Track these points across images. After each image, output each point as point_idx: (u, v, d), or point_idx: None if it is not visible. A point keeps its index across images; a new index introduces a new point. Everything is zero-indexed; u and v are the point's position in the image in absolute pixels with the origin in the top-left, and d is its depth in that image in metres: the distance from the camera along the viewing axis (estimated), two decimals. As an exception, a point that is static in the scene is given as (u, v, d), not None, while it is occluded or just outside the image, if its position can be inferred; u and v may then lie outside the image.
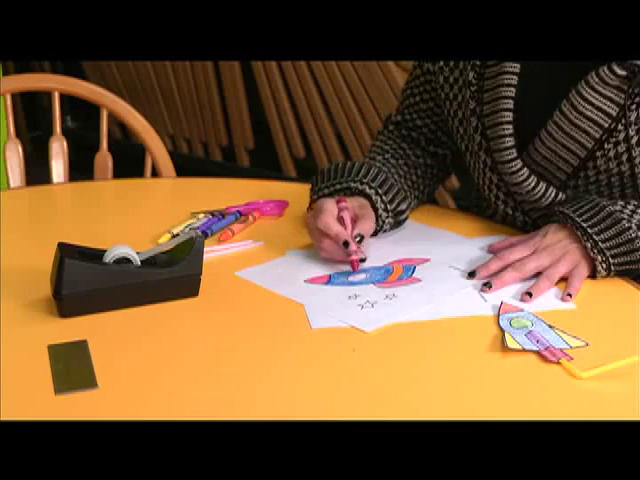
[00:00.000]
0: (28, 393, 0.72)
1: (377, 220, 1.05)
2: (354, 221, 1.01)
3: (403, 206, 1.08)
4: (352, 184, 1.05)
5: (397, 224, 1.09)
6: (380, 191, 1.05)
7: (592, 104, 0.96)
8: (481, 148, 1.07)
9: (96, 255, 0.87)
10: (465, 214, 1.20)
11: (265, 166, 2.91)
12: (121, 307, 0.86)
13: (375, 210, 1.05)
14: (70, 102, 2.65)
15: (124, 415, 0.69)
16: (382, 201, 1.05)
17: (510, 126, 1.02)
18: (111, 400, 0.71)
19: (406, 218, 1.10)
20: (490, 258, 0.96)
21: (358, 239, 0.98)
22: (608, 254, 0.93)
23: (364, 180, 1.05)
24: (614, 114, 0.96)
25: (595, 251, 0.93)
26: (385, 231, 1.08)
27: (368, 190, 1.05)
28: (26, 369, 0.76)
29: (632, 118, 0.96)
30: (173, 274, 0.87)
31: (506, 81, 1.02)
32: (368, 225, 1.01)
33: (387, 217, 1.06)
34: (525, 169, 1.03)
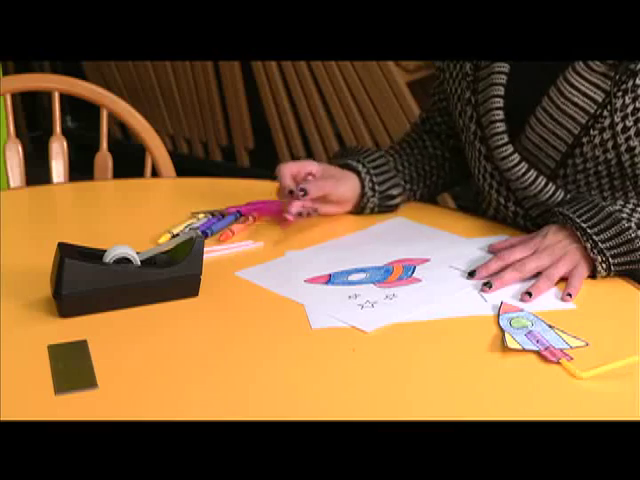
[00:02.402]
0: (28, 393, 0.72)
1: (362, 198, 1.13)
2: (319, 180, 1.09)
3: (394, 192, 1.14)
4: (349, 161, 1.14)
5: (385, 208, 1.15)
6: (372, 171, 1.13)
7: (579, 90, 0.99)
8: (476, 137, 1.10)
9: (96, 255, 0.87)
10: (465, 214, 1.20)
11: (265, 166, 2.90)
12: (121, 307, 0.86)
13: (362, 188, 1.12)
14: (70, 102, 2.65)
15: (124, 415, 0.69)
16: (370, 180, 1.12)
17: (501, 112, 1.05)
18: (111, 400, 0.71)
19: (397, 205, 1.16)
20: (490, 258, 0.97)
21: (302, 193, 1.04)
22: (608, 254, 0.93)
23: (361, 159, 1.14)
24: (600, 100, 0.98)
25: (595, 251, 0.93)
26: (372, 211, 1.14)
27: (361, 168, 1.13)
28: (26, 369, 0.76)
29: (618, 105, 0.97)
30: (173, 274, 0.87)
31: (497, 69, 1.06)
32: (333, 184, 1.09)
33: (372, 196, 1.13)
34: (516, 155, 1.05)
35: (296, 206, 1.05)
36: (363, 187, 1.12)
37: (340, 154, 1.20)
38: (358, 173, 1.13)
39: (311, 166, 1.11)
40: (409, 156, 1.21)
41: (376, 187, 1.13)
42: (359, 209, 1.14)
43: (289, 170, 1.09)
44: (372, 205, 1.14)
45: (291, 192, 1.04)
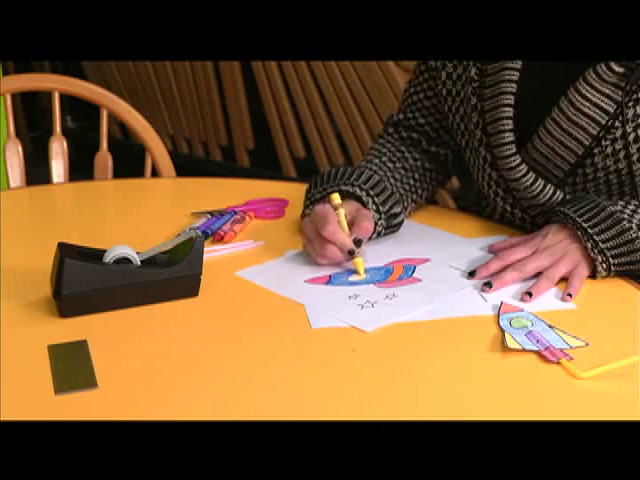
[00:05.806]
0: (28, 393, 0.72)
1: None
2: (350, 224, 0.99)
3: (397, 209, 1.05)
4: (343, 187, 1.03)
5: (391, 228, 1.06)
6: (372, 193, 1.03)
7: (590, 101, 0.97)
8: (481, 144, 1.07)
9: (96, 255, 0.87)
10: (465, 214, 1.20)
11: (265, 166, 2.91)
12: (121, 307, 0.86)
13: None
14: (70, 102, 2.64)
15: (124, 415, 0.69)
16: (374, 202, 1.03)
17: (510, 121, 1.03)
18: (111, 400, 0.71)
19: (401, 222, 1.07)
20: (490, 258, 0.96)
21: (358, 242, 0.96)
22: (608, 254, 0.93)
23: (355, 183, 1.04)
24: (611, 111, 0.97)
25: (595, 251, 0.93)
26: (379, 234, 1.05)
27: (359, 192, 1.03)
28: (26, 369, 0.76)
29: (629, 115, 0.96)
30: (173, 274, 0.87)
31: (507, 77, 1.03)
32: (367, 224, 0.98)
33: (379, 219, 1.03)
34: (524, 165, 1.03)
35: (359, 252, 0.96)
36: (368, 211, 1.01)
37: (318, 182, 1.07)
38: (358, 198, 1.03)
39: (340, 217, 0.98)
40: (393, 171, 1.12)
41: (380, 208, 1.03)
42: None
43: (336, 228, 0.95)
44: (381, 228, 1.04)
45: (351, 252, 0.94)
